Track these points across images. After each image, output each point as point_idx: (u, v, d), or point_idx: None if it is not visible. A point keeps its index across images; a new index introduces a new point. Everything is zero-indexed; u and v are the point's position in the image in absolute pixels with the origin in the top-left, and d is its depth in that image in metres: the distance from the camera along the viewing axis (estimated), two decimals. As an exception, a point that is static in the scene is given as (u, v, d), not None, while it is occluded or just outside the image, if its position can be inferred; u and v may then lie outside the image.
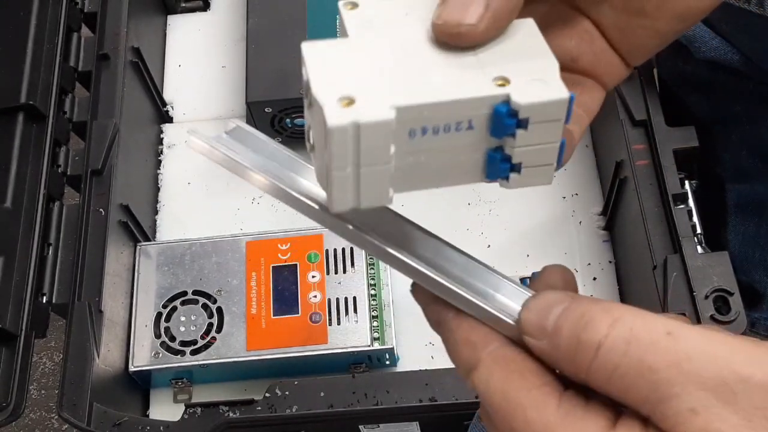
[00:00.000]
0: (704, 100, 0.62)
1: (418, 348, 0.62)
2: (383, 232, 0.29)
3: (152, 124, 0.74)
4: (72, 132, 0.65)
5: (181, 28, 0.80)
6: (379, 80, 0.26)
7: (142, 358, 0.60)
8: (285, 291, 0.61)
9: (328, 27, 0.67)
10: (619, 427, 0.24)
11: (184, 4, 0.81)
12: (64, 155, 0.63)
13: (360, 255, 0.62)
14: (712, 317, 0.51)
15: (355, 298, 0.60)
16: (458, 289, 0.28)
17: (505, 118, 0.25)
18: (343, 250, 0.62)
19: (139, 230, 0.65)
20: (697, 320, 0.51)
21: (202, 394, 0.62)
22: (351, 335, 0.59)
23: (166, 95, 0.76)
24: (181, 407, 0.56)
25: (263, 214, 0.69)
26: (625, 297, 0.63)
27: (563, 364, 0.25)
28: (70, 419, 0.54)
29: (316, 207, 0.29)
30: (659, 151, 0.57)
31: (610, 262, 0.65)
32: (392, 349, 0.59)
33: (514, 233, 0.66)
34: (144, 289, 0.62)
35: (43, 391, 1.11)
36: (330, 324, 0.59)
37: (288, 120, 0.67)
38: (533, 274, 0.31)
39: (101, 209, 0.61)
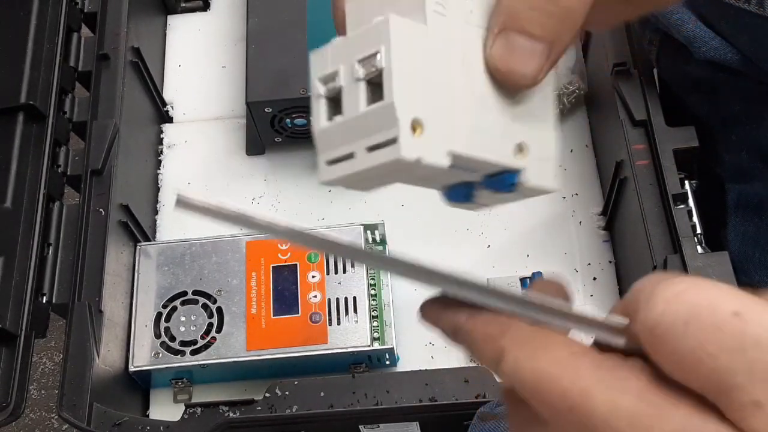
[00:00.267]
0: (704, 100, 0.62)
1: (418, 348, 0.62)
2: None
3: (152, 124, 0.74)
4: (72, 132, 0.65)
5: (181, 28, 0.80)
6: (445, 106, 0.26)
7: (142, 358, 0.60)
8: (285, 291, 0.61)
9: (329, 27, 0.67)
10: (671, 388, 0.21)
11: (184, 4, 0.81)
12: (64, 155, 0.63)
13: (360, 255, 0.62)
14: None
15: (355, 298, 0.60)
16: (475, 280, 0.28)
17: (507, 185, 0.28)
18: (343, 250, 0.62)
19: (139, 230, 0.65)
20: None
21: (202, 394, 0.62)
22: (351, 335, 0.59)
23: (166, 95, 0.76)
24: (181, 407, 0.56)
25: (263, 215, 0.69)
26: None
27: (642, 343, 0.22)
28: (70, 419, 0.54)
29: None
30: (659, 151, 0.57)
31: (610, 262, 0.65)
32: (392, 349, 0.59)
33: (514, 233, 0.66)
34: (144, 289, 0.62)
35: (43, 391, 1.11)
36: (330, 324, 0.59)
37: (288, 120, 0.67)
38: (533, 274, 0.31)
39: (101, 209, 0.61)
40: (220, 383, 0.62)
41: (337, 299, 0.60)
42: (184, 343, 0.60)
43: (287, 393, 0.55)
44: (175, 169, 0.73)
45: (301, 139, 0.69)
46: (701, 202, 0.58)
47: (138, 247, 0.64)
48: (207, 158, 0.73)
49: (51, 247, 0.59)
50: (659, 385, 0.22)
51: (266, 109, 0.66)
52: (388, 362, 0.61)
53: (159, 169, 0.73)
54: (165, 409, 0.62)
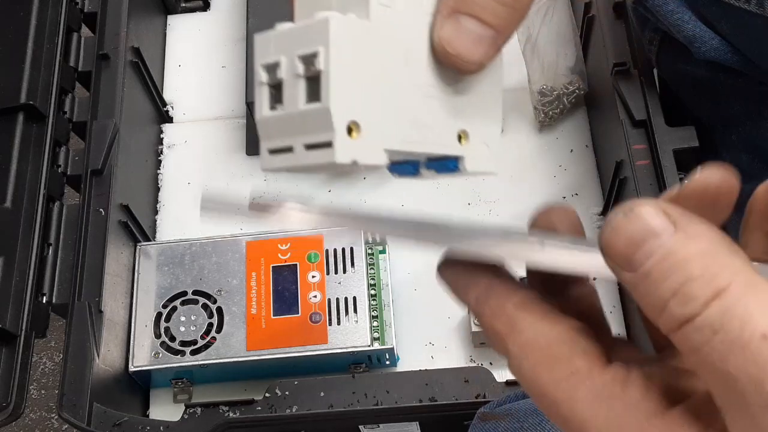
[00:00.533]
0: (704, 100, 0.62)
1: (418, 348, 0.62)
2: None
3: (152, 124, 0.74)
4: (72, 132, 0.65)
5: (181, 28, 0.80)
6: (384, 103, 0.26)
7: (142, 358, 0.60)
8: (285, 291, 0.61)
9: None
10: (668, 415, 0.21)
11: (184, 4, 0.81)
12: (64, 155, 0.63)
13: (360, 255, 0.62)
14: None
15: (355, 298, 0.60)
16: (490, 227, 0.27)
17: (448, 168, 0.29)
18: (343, 250, 0.62)
19: (139, 230, 0.65)
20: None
21: (202, 394, 0.62)
22: (351, 335, 0.59)
23: (166, 95, 0.76)
24: (181, 407, 0.56)
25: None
26: (625, 297, 0.63)
27: (645, 310, 0.21)
28: (70, 419, 0.54)
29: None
30: (659, 151, 0.57)
31: (610, 262, 0.65)
32: (392, 349, 0.59)
33: (514, 233, 0.66)
34: (144, 289, 0.62)
35: (43, 391, 1.11)
36: (330, 324, 0.59)
37: (288, 120, 0.67)
38: (531, 216, 0.30)
39: (101, 209, 0.61)
40: (220, 383, 0.62)
41: (337, 299, 0.60)
42: (184, 343, 0.60)
43: (287, 393, 0.55)
44: (175, 169, 0.73)
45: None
46: (701, 202, 0.58)
47: (138, 247, 0.64)
48: (207, 158, 0.73)
49: (51, 247, 0.59)
50: (658, 415, 0.21)
51: (266, 109, 0.66)
52: (388, 362, 0.61)
53: (159, 169, 0.73)
54: (165, 409, 0.62)
